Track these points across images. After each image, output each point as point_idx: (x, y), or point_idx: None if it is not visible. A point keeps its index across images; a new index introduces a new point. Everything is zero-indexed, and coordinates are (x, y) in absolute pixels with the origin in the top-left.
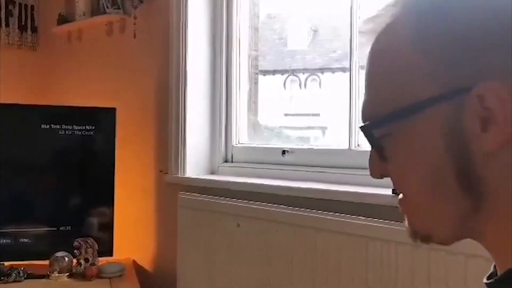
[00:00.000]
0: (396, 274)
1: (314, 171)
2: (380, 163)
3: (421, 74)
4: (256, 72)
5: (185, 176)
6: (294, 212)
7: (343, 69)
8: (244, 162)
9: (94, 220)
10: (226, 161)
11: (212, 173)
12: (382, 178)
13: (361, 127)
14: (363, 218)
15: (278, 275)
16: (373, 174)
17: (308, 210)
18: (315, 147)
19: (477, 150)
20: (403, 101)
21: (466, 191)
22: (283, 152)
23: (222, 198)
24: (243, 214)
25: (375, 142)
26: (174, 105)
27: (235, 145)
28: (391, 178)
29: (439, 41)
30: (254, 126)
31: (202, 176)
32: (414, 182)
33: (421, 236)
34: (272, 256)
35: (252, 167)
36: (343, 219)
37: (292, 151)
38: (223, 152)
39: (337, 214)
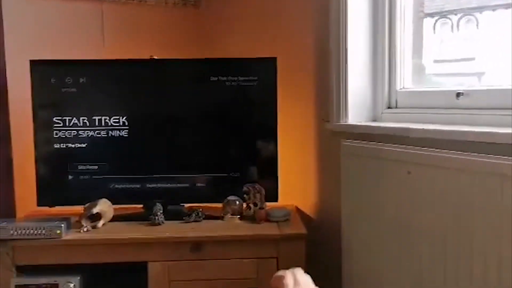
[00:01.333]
0: None
1: (493, 114)
2: None
3: None
4: (422, 10)
5: (347, 123)
6: (472, 158)
7: (505, 6)
8: (409, 108)
9: (260, 168)
10: (389, 107)
11: (374, 120)
12: None
13: None
14: None
15: (454, 224)
16: None
17: (490, 156)
18: (497, 87)
19: None
20: None
21: None
22: (458, 94)
23: (390, 144)
24: (414, 161)
25: None
26: (334, 51)
27: (399, 90)
28: None
29: None
30: (419, 70)
31: (366, 123)
32: None
33: None
34: (446, 205)
35: (419, 113)
36: None
37: (468, 93)
38: (386, 98)
39: None
